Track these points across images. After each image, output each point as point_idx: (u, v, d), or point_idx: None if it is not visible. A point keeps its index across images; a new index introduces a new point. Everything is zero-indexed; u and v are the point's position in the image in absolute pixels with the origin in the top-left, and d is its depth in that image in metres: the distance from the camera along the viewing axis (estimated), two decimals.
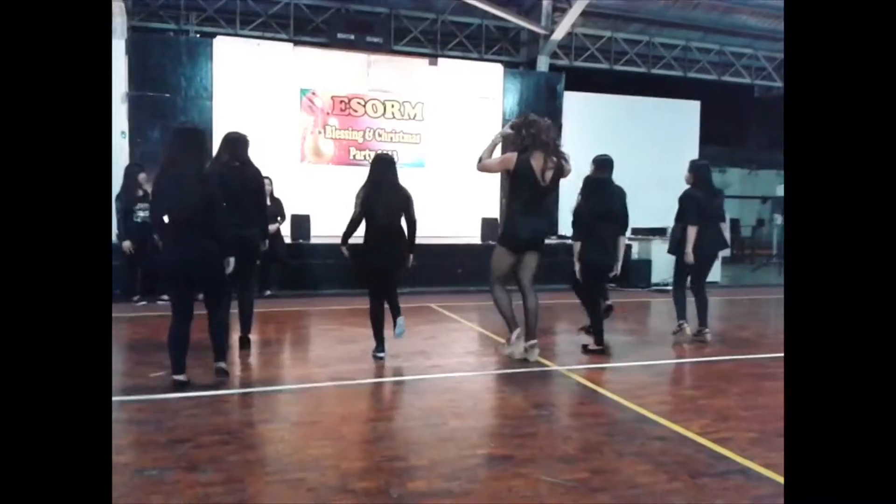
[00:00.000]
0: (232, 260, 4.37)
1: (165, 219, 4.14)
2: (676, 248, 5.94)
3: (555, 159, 4.77)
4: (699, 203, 5.78)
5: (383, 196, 4.91)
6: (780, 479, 2.97)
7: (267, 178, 8.01)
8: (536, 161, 4.73)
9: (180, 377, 4.20)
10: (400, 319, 5.12)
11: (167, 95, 9.48)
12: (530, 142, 4.75)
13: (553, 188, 4.88)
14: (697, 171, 5.97)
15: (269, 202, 8.06)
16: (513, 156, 4.78)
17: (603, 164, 6.06)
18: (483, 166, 4.90)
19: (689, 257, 5.80)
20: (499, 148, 5.02)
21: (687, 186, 5.97)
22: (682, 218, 5.87)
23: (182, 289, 4.19)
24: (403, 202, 4.99)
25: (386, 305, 5.13)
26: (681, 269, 5.99)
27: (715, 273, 10.29)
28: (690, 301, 6.04)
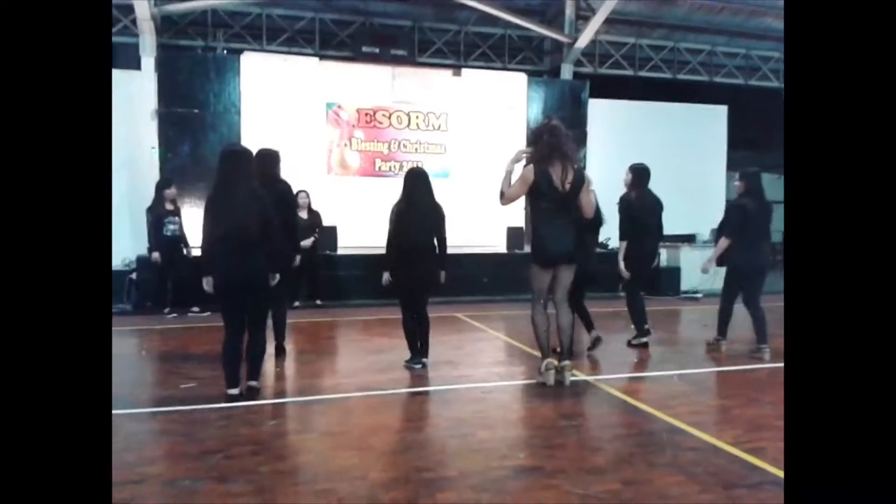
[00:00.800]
0: (278, 276, 4.49)
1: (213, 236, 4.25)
2: (721, 259, 5.80)
3: (575, 167, 4.58)
4: (745, 214, 5.60)
5: (417, 212, 4.98)
6: None
7: (304, 191, 8.19)
8: (555, 170, 4.52)
9: (234, 391, 4.22)
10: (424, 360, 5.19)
11: (196, 111, 9.65)
12: (547, 152, 4.55)
13: (575, 195, 4.61)
14: (748, 180, 5.81)
15: (306, 215, 8.19)
16: (529, 170, 4.57)
17: (636, 173, 5.98)
18: (507, 198, 4.65)
19: (710, 265, 5.73)
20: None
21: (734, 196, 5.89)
22: (724, 228, 5.74)
23: (234, 304, 4.25)
24: (437, 219, 5.05)
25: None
26: (729, 281, 5.83)
27: None
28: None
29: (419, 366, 5.13)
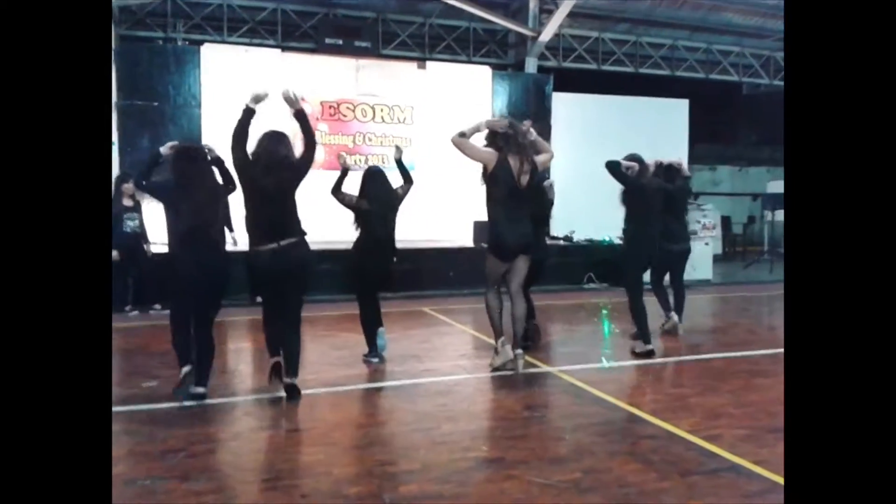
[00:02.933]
0: None
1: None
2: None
3: (531, 161, 4.65)
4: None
5: (379, 209, 5.09)
6: (771, 476, 3.00)
7: None
8: (514, 162, 4.60)
9: (289, 380, 4.15)
10: (381, 330, 5.27)
11: (156, 104, 9.47)
12: (504, 143, 4.63)
13: (532, 190, 4.75)
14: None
15: None
16: (494, 154, 4.63)
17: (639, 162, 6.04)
18: (461, 143, 4.61)
19: None
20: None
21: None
22: None
23: (276, 292, 4.21)
24: (398, 201, 5.20)
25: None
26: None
27: (706, 270, 10.37)
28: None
29: (376, 360, 5.19)
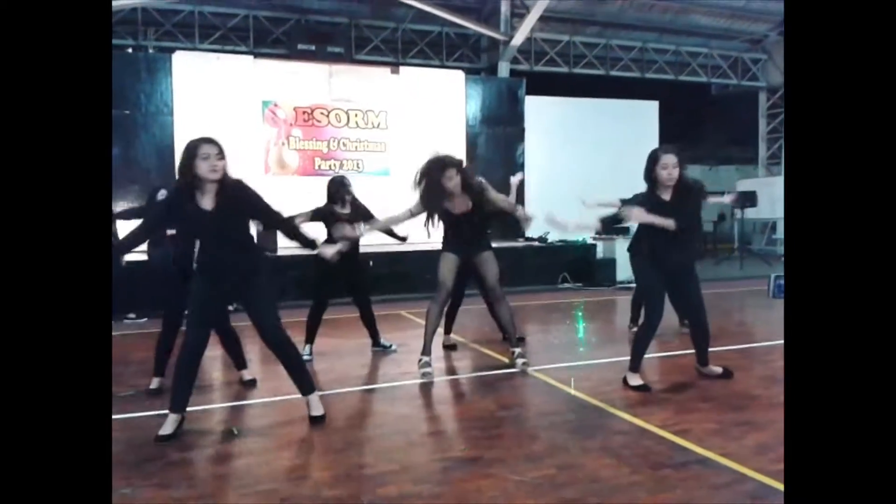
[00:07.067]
0: None
1: None
2: None
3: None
4: None
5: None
6: (737, 467, 3.11)
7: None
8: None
9: None
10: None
11: (127, 112, 9.42)
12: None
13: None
14: None
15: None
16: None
17: None
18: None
19: None
20: None
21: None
22: None
23: None
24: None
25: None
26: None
27: None
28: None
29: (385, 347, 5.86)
